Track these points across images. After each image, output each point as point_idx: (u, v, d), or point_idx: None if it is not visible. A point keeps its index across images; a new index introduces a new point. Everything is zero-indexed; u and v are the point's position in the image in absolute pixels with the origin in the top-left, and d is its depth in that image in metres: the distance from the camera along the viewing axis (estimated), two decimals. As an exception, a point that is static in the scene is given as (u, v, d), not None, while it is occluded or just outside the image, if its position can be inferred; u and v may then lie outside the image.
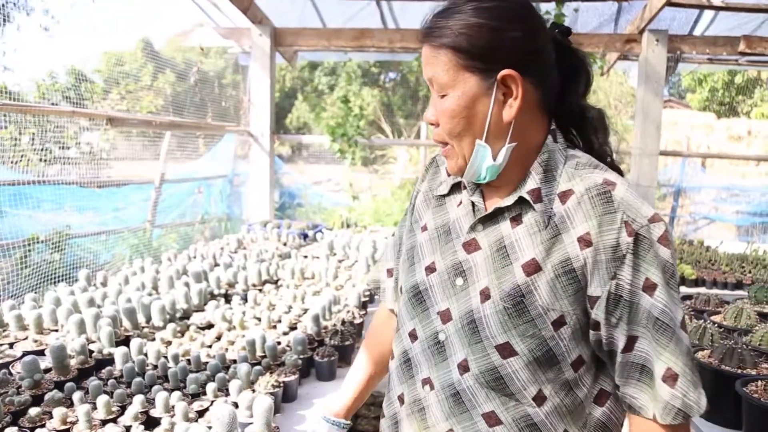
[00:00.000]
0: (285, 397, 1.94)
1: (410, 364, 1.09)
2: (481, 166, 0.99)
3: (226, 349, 2.19)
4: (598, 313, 0.93)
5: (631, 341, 0.92)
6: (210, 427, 1.47)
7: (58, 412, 1.60)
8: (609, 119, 1.06)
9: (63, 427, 1.58)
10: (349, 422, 1.30)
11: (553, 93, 1.01)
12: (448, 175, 1.13)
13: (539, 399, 0.95)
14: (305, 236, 4.30)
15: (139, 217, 5.47)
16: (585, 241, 0.92)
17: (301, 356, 2.14)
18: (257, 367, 1.97)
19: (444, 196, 1.13)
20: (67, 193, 4.76)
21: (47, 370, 1.88)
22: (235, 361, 2.08)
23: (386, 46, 5.30)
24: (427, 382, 1.04)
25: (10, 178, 4.16)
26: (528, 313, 0.94)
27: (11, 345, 2.06)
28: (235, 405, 1.71)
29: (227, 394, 1.83)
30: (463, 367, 0.99)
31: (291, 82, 17.83)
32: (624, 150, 8.63)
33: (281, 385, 1.90)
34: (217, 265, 3.34)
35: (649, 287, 0.90)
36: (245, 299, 2.80)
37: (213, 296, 2.83)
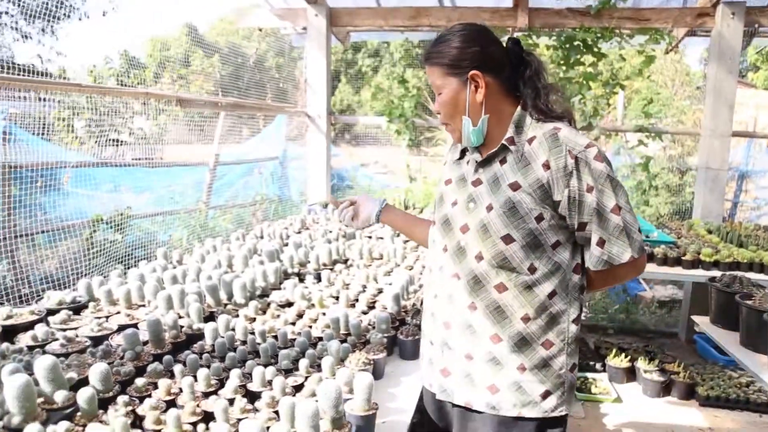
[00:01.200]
0: (374, 374, 1.93)
1: (443, 270, 1.61)
2: (469, 133, 1.55)
3: (310, 327, 2.20)
4: (563, 210, 1.46)
5: (581, 225, 1.47)
6: (316, 401, 1.47)
7: (163, 383, 1.63)
8: (552, 90, 1.56)
9: (168, 398, 1.61)
10: (385, 202, 1.97)
11: (511, 80, 1.55)
12: (459, 147, 1.68)
13: (532, 269, 1.48)
14: (366, 217, 4.28)
15: (193, 198, 5.56)
16: (546, 166, 1.45)
17: (386, 335, 2.13)
18: (345, 345, 1.97)
19: (459, 160, 1.68)
20: (125, 174, 4.87)
21: (144, 343, 1.92)
22: (320, 339, 2.08)
23: (443, 24, 5.19)
24: (455, 276, 1.57)
25: (73, 159, 4.27)
26: (518, 213, 1.46)
27: (107, 318, 2.12)
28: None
29: (319, 370, 1.83)
30: (479, 257, 1.51)
31: (334, 65, 17.81)
32: (682, 131, 8.33)
33: (372, 362, 1.90)
34: (285, 244, 3.36)
35: (589, 189, 1.43)
36: (318, 278, 2.81)
37: (287, 275, 2.85)
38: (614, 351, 4.25)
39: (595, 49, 4.75)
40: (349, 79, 17.49)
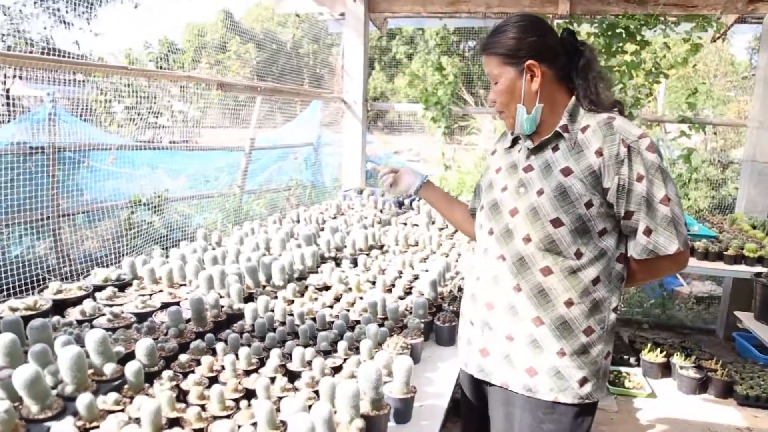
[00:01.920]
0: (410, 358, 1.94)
1: (487, 252, 1.64)
2: (522, 120, 1.58)
3: (347, 310, 2.22)
4: (611, 198, 1.48)
5: (628, 214, 1.49)
6: (357, 382, 1.48)
7: (206, 360, 1.67)
8: (603, 81, 1.59)
9: (210, 374, 1.65)
10: (427, 177, 2.01)
11: (565, 69, 1.58)
12: (511, 135, 1.71)
13: (578, 254, 1.50)
14: (401, 204, 4.29)
15: (228, 182, 5.63)
16: (599, 153, 1.48)
17: (423, 320, 2.13)
18: (382, 329, 1.98)
19: (509, 149, 1.71)
20: (163, 157, 4.95)
21: (186, 321, 1.96)
22: (357, 322, 2.10)
23: (481, 11, 5.13)
24: (500, 257, 1.60)
25: (114, 142, 4.36)
26: (569, 198, 1.49)
27: (150, 296, 2.17)
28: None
29: (357, 353, 1.85)
30: (527, 239, 1.54)
31: (368, 52, 17.74)
32: (727, 122, 8.07)
33: (409, 347, 1.91)
34: (322, 229, 3.39)
35: (639, 179, 1.45)
36: (355, 263, 2.83)
37: (323, 259, 2.87)
38: (649, 346, 4.18)
39: (639, 37, 4.63)
40: (383, 66, 17.42)
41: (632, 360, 4.13)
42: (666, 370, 4.08)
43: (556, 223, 1.49)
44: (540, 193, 1.52)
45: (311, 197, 6.54)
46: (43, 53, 3.23)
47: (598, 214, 1.50)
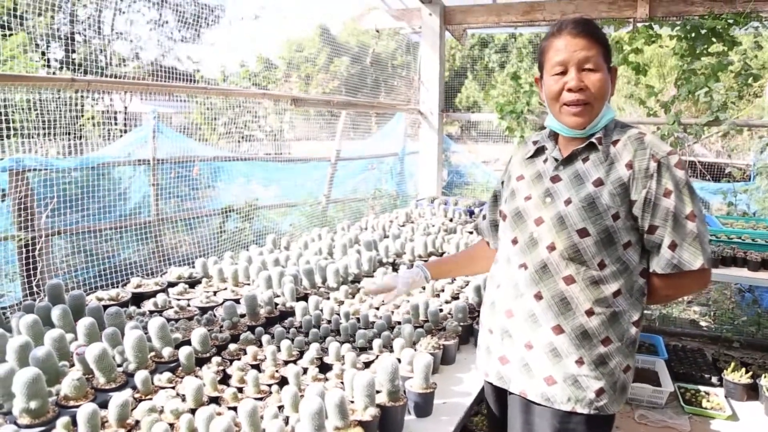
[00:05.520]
0: (444, 359, 2.04)
1: (510, 261, 1.67)
2: (601, 120, 1.58)
3: (392, 312, 2.35)
4: (636, 211, 1.52)
5: (652, 228, 1.52)
6: (375, 375, 1.61)
7: (251, 350, 1.87)
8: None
9: (254, 362, 1.84)
10: (429, 276, 2.13)
11: None
12: (534, 144, 1.74)
13: (601, 265, 1.53)
14: (471, 213, 4.35)
15: (314, 191, 5.94)
16: (629, 166, 1.52)
17: (462, 323, 2.22)
18: (419, 330, 2.09)
19: (531, 158, 1.73)
20: (254, 168, 5.33)
21: (242, 315, 2.18)
22: (399, 323, 2.22)
23: (557, 19, 5.08)
24: (522, 266, 1.62)
25: (207, 154, 4.77)
26: (597, 209, 1.52)
27: (215, 293, 2.42)
28: (398, 360, 1.84)
29: (391, 351, 1.97)
30: (551, 248, 1.56)
31: (461, 61, 17.78)
32: None
33: (441, 347, 2.01)
34: (386, 236, 3.54)
35: (667, 194, 1.49)
36: (411, 269, 2.94)
37: (381, 264, 3.01)
38: (733, 365, 3.93)
39: (726, 37, 4.39)
40: (476, 75, 17.39)
41: (714, 379, 3.90)
42: (752, 392, 3.81)
43: (583, 233, 1.51)
44: (568, 202, 1.54)
45: (396, 206, 6.72)
46: (146, 77, 3.64)
47: (624, 226, 1.52)
